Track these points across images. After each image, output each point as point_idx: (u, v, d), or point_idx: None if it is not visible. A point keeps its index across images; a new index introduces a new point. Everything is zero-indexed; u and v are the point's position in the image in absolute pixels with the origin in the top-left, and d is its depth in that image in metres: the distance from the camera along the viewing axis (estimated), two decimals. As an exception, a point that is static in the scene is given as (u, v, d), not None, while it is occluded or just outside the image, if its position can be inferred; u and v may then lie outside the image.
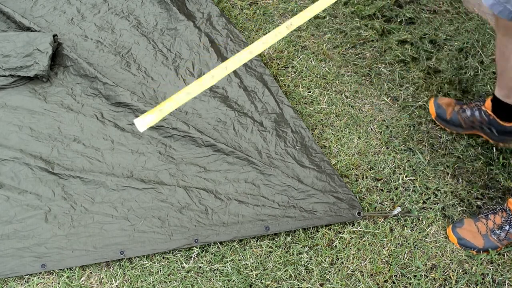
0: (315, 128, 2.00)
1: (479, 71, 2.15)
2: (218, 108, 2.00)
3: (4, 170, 1.78)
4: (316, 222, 1.72)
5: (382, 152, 1.94)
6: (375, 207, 1.79)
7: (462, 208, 1.79)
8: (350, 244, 1.70)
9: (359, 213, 1.74)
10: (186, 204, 1.74)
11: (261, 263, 1.65)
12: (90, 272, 1.62)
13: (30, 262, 1.61)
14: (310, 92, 2.12)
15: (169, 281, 1.61)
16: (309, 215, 1.73)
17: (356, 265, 1.66)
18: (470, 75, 2.14)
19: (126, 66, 2.12)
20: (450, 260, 1.68)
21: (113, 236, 1.67)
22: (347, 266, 1.66)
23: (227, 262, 1.65)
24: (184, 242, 1.66)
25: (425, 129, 2.01)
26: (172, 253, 1.67)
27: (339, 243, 1.70)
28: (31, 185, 1.76)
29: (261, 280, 1.62)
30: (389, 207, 1.79)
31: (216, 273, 1.63)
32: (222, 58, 2.15)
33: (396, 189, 1.84)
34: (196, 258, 1.66)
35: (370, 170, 1.89)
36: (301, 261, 1.66)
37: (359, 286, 1.62)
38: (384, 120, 2.04)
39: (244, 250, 1.68)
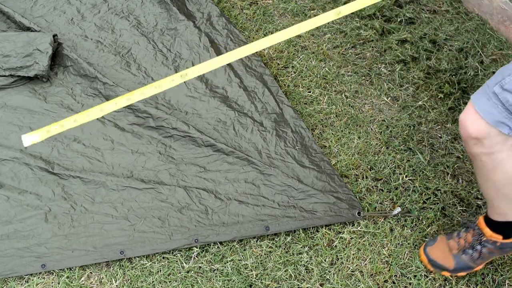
0: (315, 128, 2.00)
1: (479, 71, 2.15)
2: (218, 108, 2.00)
3: (4, 170, 1.78)
4: (316, 222, 1.72)
5: (382, 152, 1.94)
6: (375, 207, 1.79)
7: (462, 208, 1.79)
8: (350, 244, 1.70)
9: (359, 213, 1.74)
10: (186, 204, 1.74)
11: (261, 263, 1.65)
12: (90, 272, 1.62)
13: (30, 262, 1.61)
14: (310, 92, 2.12)
15: (169, 281, 1.61)
16: (309, 215, 1.73)
17: (356, 265, 1.66)
18: (470, 75, 2.14)
19: (126, 66, 2.12)
20: (450, 260, 1.68)
21: (113, 236, 1.67)
22: (347, 266, 1.66)
23: (227, 262, 1.65)
24: (184, 242, 1.66)
25: (425, 129, 2.01)
26: (172, 253, 1.67)
27: (339, 243, 1.70)
28: (31, 185, 1.76)
29: (261, 280, 1.62)
30: (389, 207, 1.79)
31: (216, 273, 1.63)
32: (222, 58, 2.15)
33: (396, 189, 1.84)
34: (196, 258, 1.66)
35: (370, 170, 1.89)
36: (301, 261, 1.66)
37: (359, 286, 1.62)
38: (384, 120, 2.04)
39: (244, 250, 1.68)
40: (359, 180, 1.86)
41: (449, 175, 1.87)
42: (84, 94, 2.01)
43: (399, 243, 1.71)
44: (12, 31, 2.15)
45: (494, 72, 2.13)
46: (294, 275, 1.64)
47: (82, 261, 1.62)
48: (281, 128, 1.95)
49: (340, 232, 1.73)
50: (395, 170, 1.89)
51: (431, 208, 1.79)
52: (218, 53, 2.17)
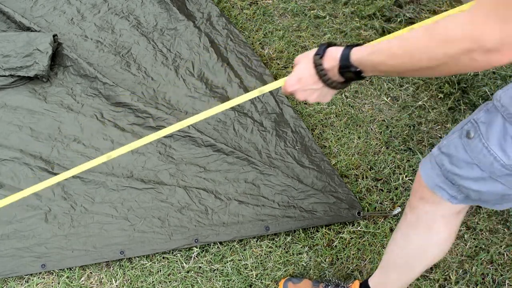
0: (315, 128, 2.00)
1: (479, 71, 2.15)
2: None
3: (4, 170, 1.78)
4: (316, 222, 1.72)
5: (382, 152, 1.94)
6: (375, 207, 1.79)
7: (462, 208, 1.79)
8: (350, 244, 1.70)
9: (359, 213, 1.74)
10: (186, 204, 1.74)
11: (261, 263, 1.65)
12: (90, 272, 1.62)
13: (30, 262, 1.61)
14: (310, 92, 2.12)
15: (169, 281, 1.61)
16: (309, 215, 1.73)
17: (356, 265, 1.66)
18: (470, 75, 2.14)
19: (126, 66, 2.12)
20: (450, 260, 1.68)
21: (113, 236, 1.67)
22: (347, 266, 1.66)
23: (227, 262, 1.65)
24: (184, 242, 1.66)
25: (425, 129, 2.01)
26: (172, 253, 1.67)
27: (339, 243, 1.70)
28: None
29: (261, 280, 1.62)
30: (389, 207, 1.79)
31: (216, 273, 1.63)
32: (222, 58, 2.15)
33: (396, 189, 1.84)
34: (196, 258, 1.66)
35: (370, 170, 1.89)
36: (301, 261, 1.66)
37: (359, 286, 1.62)
38: (384, 120, 2.04)
39: (244, 250, 1.68)
40: (359, 180, 1.86)
41: (449, 175, 1.87)
42: (84, 94, 2.01)
43: (399, 243, 1.71)
44: (12, 31, 2.15)
45: (494, 73, 2.13)
46: (294, 275, 1.63)
47: (82, 261, 1.62)
48: (281, 128, 1.95)
49: (340, 232, 1.73)
50: (395, 170, 1.89)
51: (431, 208, 1.79)
52: (218, 53, 2.17)
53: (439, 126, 2.01)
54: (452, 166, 1.00)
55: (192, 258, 1.66)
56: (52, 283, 1.60)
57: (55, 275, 1.61)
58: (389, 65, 0.85)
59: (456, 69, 0.75)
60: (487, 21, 0.67)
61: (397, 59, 0.82)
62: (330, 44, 0.97)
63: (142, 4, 2.33)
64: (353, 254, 1.68)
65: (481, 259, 1.67)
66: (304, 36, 2.32)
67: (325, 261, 1.66)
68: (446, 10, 2.42)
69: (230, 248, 1.68)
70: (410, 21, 2.37)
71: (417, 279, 1.62)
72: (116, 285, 1.60)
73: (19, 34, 2.06)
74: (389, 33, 2.33)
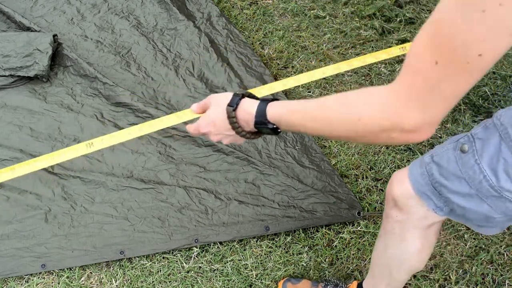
0: (315, 128, 2.00)
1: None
2: (218, 108, 2.00)
3: (4, 170, 1.78)
4: (316, 222, 1.72)
5: (382, 152, 1.94)
6: (375, 207, 1.79)
7: (462, 208, 1.79)
8: (350, 244, 1.70)
9: (359, 213, 1.74)
10: (186, 204, 1.74)
11: (261, 263, 1.65)
12: (90, 272, 1.62)
13: (30, 262, 1.61)
14: (310, 92, 2.12)
15: (169, 281, 1.61)
16: (309, 215, 1.73)
17: (356, 265, 1.66)
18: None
19: (126, 66, 2.12)
20: (450, 260, 1.68)
21: (113, 236, 1.67)
22: (347, 266, 1.66)
23: (227, 262, 1.65)
24: (184, 242, 1.66)
25: (425, 129, 2.00)
26: (172, 253, 1.67)
27: (339, 243, 1.70)
28: (31, 185, 1.76)
29: (261, 280, 1.62)
30: (389, 207, 1.79)
31: (216, 273, 1.63)
32: (222, 58, 2.15)
33: (396, 189, 1.84)
34: (196, 258, 1.66)
35: (370, 170, 1.89)
36: (301, 261, 1.66)
37: (359, 286, 1.62)
38: (384, 120, 2.04)
39: (244, 250, 1.68)
40: (359, 180, 1.86)
41: (449, 175, 1.87)
42: (84, 94, 2.01)
43: (399, 243, 1.71)
44: (12, 31, 2.15)
45: (494, 73, 2.13)
46: (293, 276, 1.63)
47: (82, 261, 1.62)
48: (281, 128, 1.95)
49: (340, 232, 1.73)
50: (395, 170, 1.89)
51: (431, 208, 1.79)
52: (218, 53, 2.17)
53: (439, 126, 2.01)
54: (441, 177, 1.00)
55: (192, 258, 1.66)
56: (52, 283, 1.60)
57: (55, 275, 1.61)
58: (309, 128, 0.82)
59: (376, 142, 0.76)
60: (408, 105, 0.67)
61: (317, 123, 0.80)
62: (244, 95, 0.94)
63: (142, 4, 2.33)
64: (353, 254, 1.68)
65: (481, 259, 1.67)
66: (304, 36, 2.32)
67: (325, 261, 1.66)
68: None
69: (230, 248, 1.68)
70: (410, 21, 2.37)
71: (417, 279, 1.62)
72: (116, 285, 1.60)
73: (19, 34, 2.06)
74: (389, 33, 2.33)
